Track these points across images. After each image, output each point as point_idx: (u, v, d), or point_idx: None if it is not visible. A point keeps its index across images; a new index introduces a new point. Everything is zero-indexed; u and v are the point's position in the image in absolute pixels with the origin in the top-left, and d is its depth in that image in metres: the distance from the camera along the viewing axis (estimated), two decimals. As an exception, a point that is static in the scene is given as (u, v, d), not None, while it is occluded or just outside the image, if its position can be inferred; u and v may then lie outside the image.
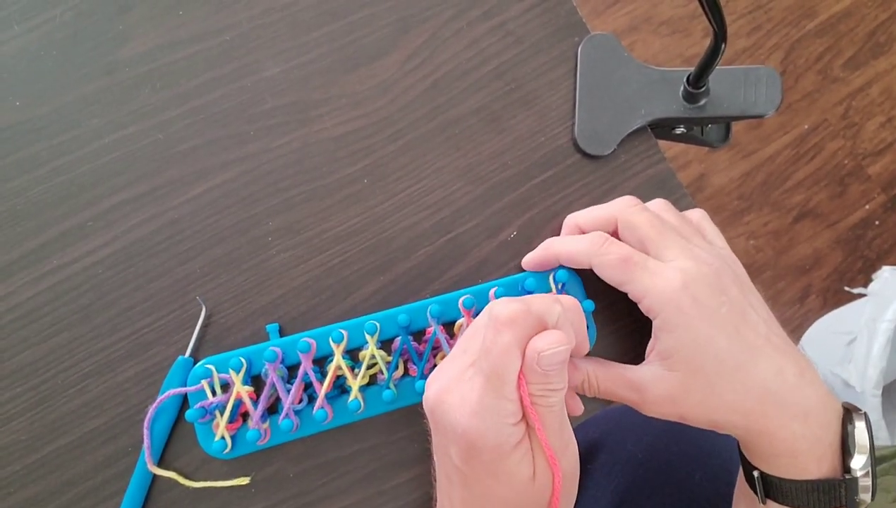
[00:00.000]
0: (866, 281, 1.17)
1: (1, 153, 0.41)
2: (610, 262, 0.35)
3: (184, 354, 0.39)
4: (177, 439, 0.39)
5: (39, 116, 0.42)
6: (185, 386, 0.38)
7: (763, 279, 1.21)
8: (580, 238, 0.37)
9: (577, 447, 0.32)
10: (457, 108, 0.43)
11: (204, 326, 0.39)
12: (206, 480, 0.38)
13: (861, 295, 1.12)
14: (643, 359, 0.36)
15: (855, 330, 1.02)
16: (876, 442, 0.92)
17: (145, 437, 0.37)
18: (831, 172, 1.24)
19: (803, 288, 1.21)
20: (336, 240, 0.41)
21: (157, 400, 0.37)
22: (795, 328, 1.19)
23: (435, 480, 0.35)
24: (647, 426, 0.57)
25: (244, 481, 0.38)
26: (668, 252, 0.34)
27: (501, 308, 0.30)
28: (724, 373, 0.33)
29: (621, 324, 0.41)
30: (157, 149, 0.41)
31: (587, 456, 0.58)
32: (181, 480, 0.38)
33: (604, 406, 0.40)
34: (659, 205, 0.38)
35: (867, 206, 1.24)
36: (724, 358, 0.33)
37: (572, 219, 0.39)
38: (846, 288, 1.20)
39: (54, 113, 0.42)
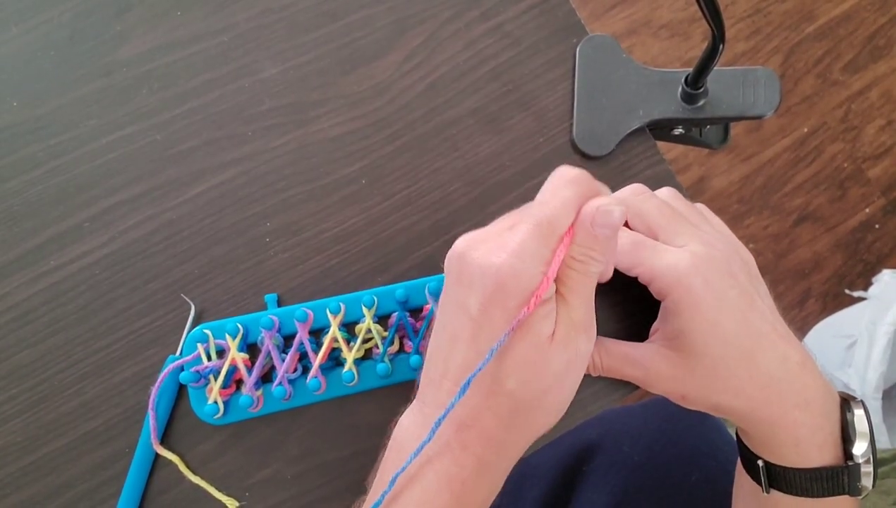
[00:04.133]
0: (866, 285, 1.17)
1: (-2, 154, 0.41)
2: (620, 246, 0.35)
3: (175, 354, 0.39)
4: (175, 441, 0.39)
5: (37, 117, 0.42)
6: (177, 387, 0.38)
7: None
8: None
9: (595, 334, 0.31)
10: (454, 109, 0.43)
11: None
12: (203, 479, 0.38)
13: (861, 299, 1.12)
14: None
15: (855, 333, 1.02)
16: (876, 445, 0.92)
17: (151, 418, 0.37)
18: (831, 176, 1.24)
19: (803, 291, 1.21)
20: (334, 241, 0.41)
21: (161, 375, 0.37)
22: (795, 331, 1.17)
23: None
24: (643, 428, 0.57)
25: (234, 504, 0.38)
26: (679, 237, 0.34)
27: (566, 169, 0.30)
28: (729, 358, 0.33)
29: (624, 325, 0.41)
30: (154, 150, 0.41)
31: (584, 458, 0.58)
32: (181, 467, 0.38)
33: (604, 406, 0.40)
34: (667, 193, 0.38)
35: (867, 210, 1.23)
36: (731, 342, 0.33)
37: None
38: (846, 292, 1.20)
39: (52, 113, 0.42)
